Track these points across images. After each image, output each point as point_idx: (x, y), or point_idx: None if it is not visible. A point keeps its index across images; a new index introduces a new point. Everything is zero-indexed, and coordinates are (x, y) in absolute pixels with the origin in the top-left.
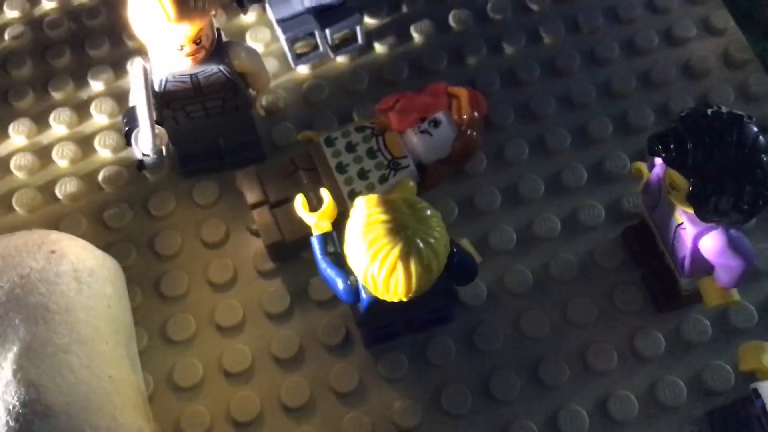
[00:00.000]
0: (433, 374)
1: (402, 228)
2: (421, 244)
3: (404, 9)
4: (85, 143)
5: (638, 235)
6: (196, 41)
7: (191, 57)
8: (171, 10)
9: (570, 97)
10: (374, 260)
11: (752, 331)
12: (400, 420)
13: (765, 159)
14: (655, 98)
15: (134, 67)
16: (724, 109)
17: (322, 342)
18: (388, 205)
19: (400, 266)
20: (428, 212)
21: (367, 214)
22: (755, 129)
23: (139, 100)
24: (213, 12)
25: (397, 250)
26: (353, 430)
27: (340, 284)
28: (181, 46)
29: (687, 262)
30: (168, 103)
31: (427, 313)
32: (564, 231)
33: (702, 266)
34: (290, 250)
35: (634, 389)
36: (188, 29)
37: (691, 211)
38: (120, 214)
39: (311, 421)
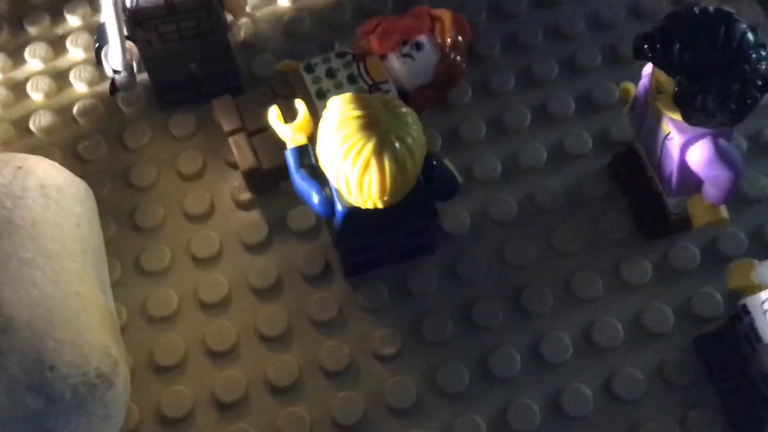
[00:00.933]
0: (414, 304)
1: (376, 124)
2: (396, 142)
3: None
4: (60, 77)
5: (626, 161)
6: None
7: None
8: None
9: (558, 28)
10: (346, 157)
11: (741, 258)
12: (380, 348)
13: (753, 55)
14: (644, 27)
15: None
16: (711, 8)
17: (301, 272)
18: (362, 101)
19: (373, 163)
20: (404, 110)
21: (340, 111)
22: (743, 25)
23: (108, 14)
24: None
25: (370, 146)
26: (331, 358)
27: (314, 196)
28: None
29: (674, 177)
30: (141, 21)
31: (407, 237)
32: (550, 161)
33: (690, 181)
34: (268, 180)
35: (619, 316)
36: None
37: (678, 117)
38: (94, 146)
39: (289, 349)
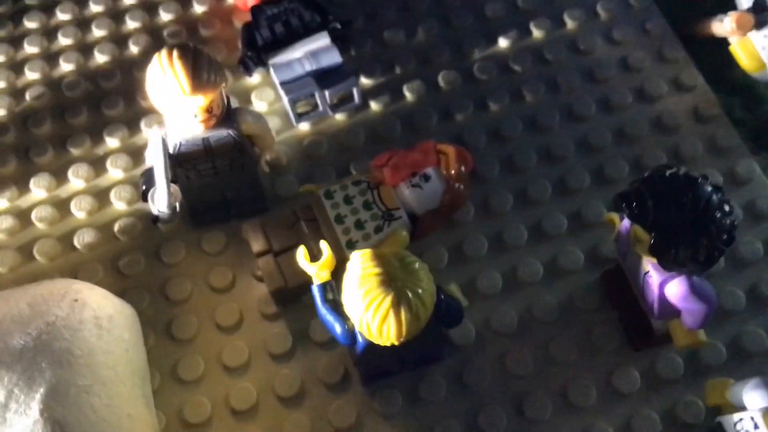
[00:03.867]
0: (425, 410)
1: (393, 280)
2: (410, 294)
3: (397, 70)
4: (101, 196)
5: (614, 278)
6: (209, 110)
7: (204, 123)
8: (186, 84)
9: (550, 151)
10: (368, 309)
11: (722, 368)
12: None
13: (718, 216)
14: (629, 152)
15: (153, 136)
16: (681, 171)
17: (322, 380)
18: (380, 259)
19: (391, 314)
20: (416, 265)
21: (361, 268)
22: (709, 189)
23: (157, 165)
24: (223, 84)
25: (389, 300)
26: None
27: (338, 328)
28: (195, 115)
29: (656, 306)
30: (181, 162)
31: (418, 353)
32: (546, 275)
33: (670, 310)
34: (292, 295)
35: (612, 423)
36: (201, 101)
37: (655, 260)
38: (134, 262)
39: None
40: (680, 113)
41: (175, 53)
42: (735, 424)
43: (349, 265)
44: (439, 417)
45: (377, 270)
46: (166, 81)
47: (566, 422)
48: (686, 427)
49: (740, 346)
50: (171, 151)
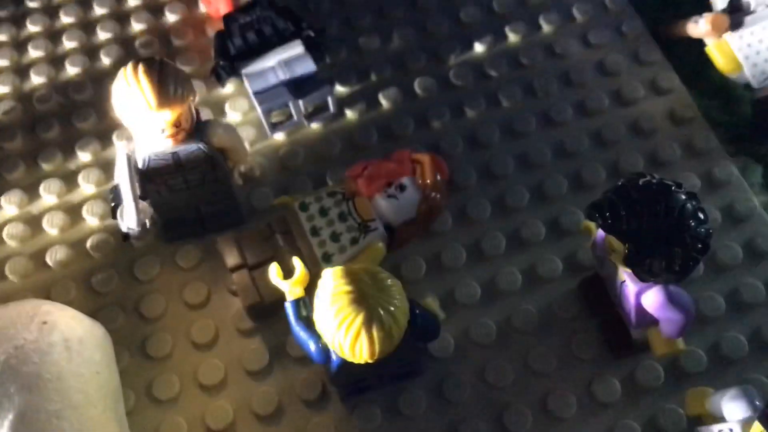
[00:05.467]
0: (405, 425)
1: (364, 298)
2: (382, 312)
3: (373, 77)
4: (73, 212)
5: (592, 286)
6: (176, 124)
7: (172, 138)
8: (152, 99)
9: (528, 158)
10: (340, 328)
11: (702, 375)
12: None
13: (693, 224)
14: (607, 156)
15: (118, 153)
16: (655, 179)
17: (301, 397)
18: (351, 276)
19: (363, 333)
20: (389, 282)
21: (333, 286)
22: (683, 197)
23: (123, 182)
24: (191, 98)
25: (360, 319)
26: None
27: (312, 346)
28: (162, 130)
29: (633, 316)
30: (151, 177)
31: (396, 368)
32: (524, 284)
33: (647, 318)
34: (268, 310)
35: None
36: (168, 115)
37: (629, 270)
38: (107, 279)
39: None
40: (657, 116)
41: (140, 67)
42: None
43: (320, 282)
44: (419, 431)
45: (348, 288)
46: (131, 95)
47: None
48: None
49: (720, 352)
50: (140, 165)
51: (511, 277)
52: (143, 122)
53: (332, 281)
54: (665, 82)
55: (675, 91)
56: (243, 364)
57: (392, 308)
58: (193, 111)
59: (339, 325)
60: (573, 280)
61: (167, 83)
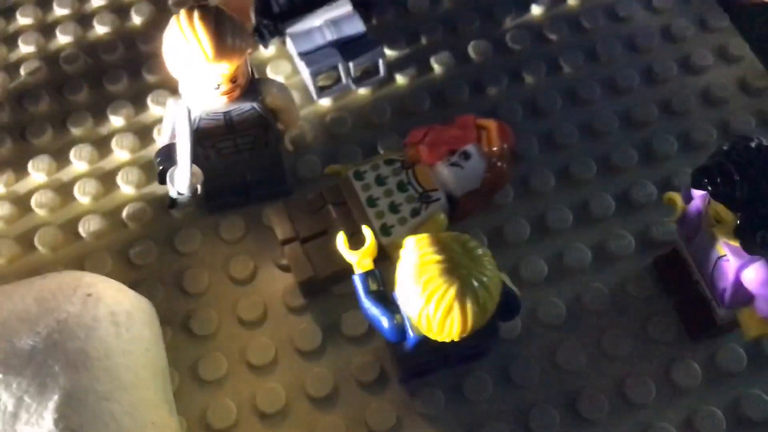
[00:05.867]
0: (470, 410)
1: (456, 268)
2: (476, 284)
3: (423, 40)
4: (107, 180)
5: (670, 263)
6: (233, 80)
7: (227, 95)
8: (210, 49)
9: (592, 126)
10: (429, 302)
11: None
12: None
13: None
14: (677, 126)
15: (175, 109)
16: (765, 142)
17: (357, 379)
18: (440, 245)
19: (456, 307)
20: (480, 251)
21: (419, 255)
22: None
23: (181, 140)
24: (249, 50)
25: (453, 291)
26: None
27: (385, 323)
28: (218, 85)
29: (728, 294)
30: (200, 140)
31: (470, 350)
32: (594, 261)
33: (743, 296)
34: (321, 286)
35: (673, 421)
36: (226, 68)
37: (736, 243)
38: (146, 251)
39: None
40: (728, 85)
41: (196, 15)
42: None
43: (402, 252)
44: (485, 417)
45: (438, 257)
46: (187, 46)
47: (624, 421)
48: (752, 424)
49: None
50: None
51: (580, 253)
52: (197, 77)
53: (418, 250)
54: (735, 50)
55: (745, 60)
56: (294, 343)
57: (485, 279)
58: (249, 66)
59: (428, 298)
60: (646, 258)
61: (225, 32)
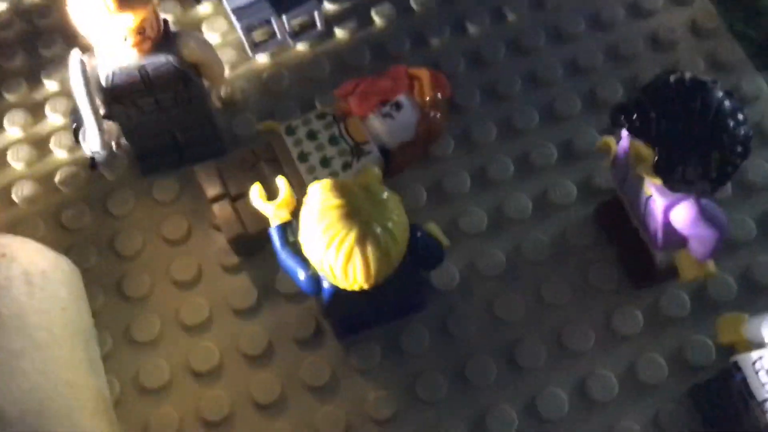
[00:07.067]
0: (407, 363)
1: (356, 212)
2: (378, 229)
3: None
4: (40, 144)
5: (611, 211)
6: (140, 31)
7: (137, 48)
8: (111, 0)
9: (536, 75)
10: (329, 247)
11: (731, 303)
12: (375, 412)
13: (731, 124)
14: (623, 72)
15: (71, 61)
16: (687, 75)
17: (293, 336)
18: (342, 189)
19: (356, 252)
20: (384, 195)
21: (320, 200)
22: (720, 94)
23: (78, 95)
24: (155, 0)
25: (352, 236)
26: (328, 425)
27: (300, 274)
28: (125, 37)
29: (659, 235)
30: (117, 97)
31: (397, 301)
32: (535, 211)
33: (675, 238)
34: (254, 244)
35: (613, 368)
36: (131, 19)
37: (659, 182)
38: (78, 215)
39: (284, 417)
40: (678, 28)
41: None
42: (754, 363)
43: (306, 198)
44: (421, 370)
45: (338, 201)
46: None
47: (562, 369)
48: (695, 369)
49: (751, 278)
50: (104, 83)
51: (521, 203)
52: (103, 30)
53: (320, 195)
54: None
55: (696, 1)
56: (229, 302)
57: (389, 224)
58: (160, 18)
59: (328, 243)
60: (589, 206)
61: None
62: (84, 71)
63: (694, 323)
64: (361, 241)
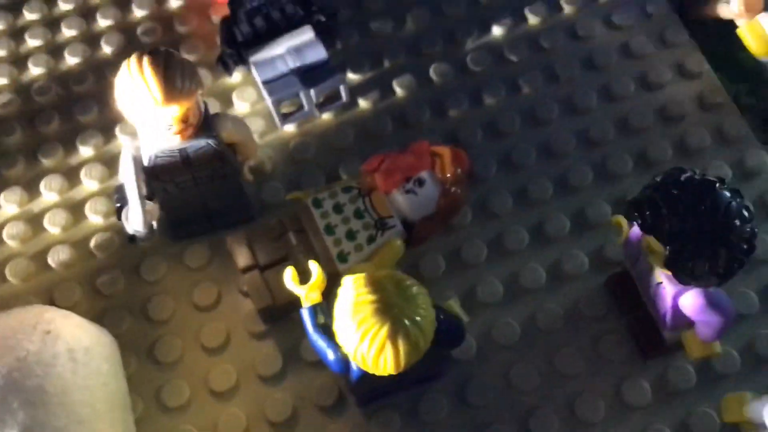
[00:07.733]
0: (426, 431)
1: (389, 308)
2: (408, 323)
3: (386, 64)
4: (75, 210)
5: (621, 282)
6: (184, 120)
7: (180, 135)
8: (158, 93)
9: (550, 147)
10: (363, 340)
11: (736, 376)
12: None
13: (738, 224)
14: (634, 144)
15: (123, 151)
16: (697, 175)
17: (316, 403)
18: (375, 285)
19: (388, 345)
20: (414, 290)
21: (354, 295)
22: (728, 194)
23: (128, 183)
24: (199, 91)
25: (384, 330)
26: None
27: (330, 355)
28: (169, 126)
29: (668, 318)
30: (157, 175)
31: (417, 376)
32: (549, 281)
33: (683, 321)
34: (281, 312)
35: None
36: (176, 110)
37: (669, 272)
38: (113, 280)
39: None
40: (686, 102)
41: (145, 59)
42: None
43: (340, 291)
44: None
45: (371, 297)
46: (136, 90)
47: None
48: None
49: (755, 351)
50: (146, 163)
51: (535, 274)
52: (149, 118)
53: (354, 290)
54: (693, 66)
55: (704, 75)
56: (255, 368)
57: (419, 318)
58: (201, 104)
59: (362, 337)
60: (600, 277)
61: (174, 76)
62: (135, 164)
63: (700, 395)
64: (393, 335)
